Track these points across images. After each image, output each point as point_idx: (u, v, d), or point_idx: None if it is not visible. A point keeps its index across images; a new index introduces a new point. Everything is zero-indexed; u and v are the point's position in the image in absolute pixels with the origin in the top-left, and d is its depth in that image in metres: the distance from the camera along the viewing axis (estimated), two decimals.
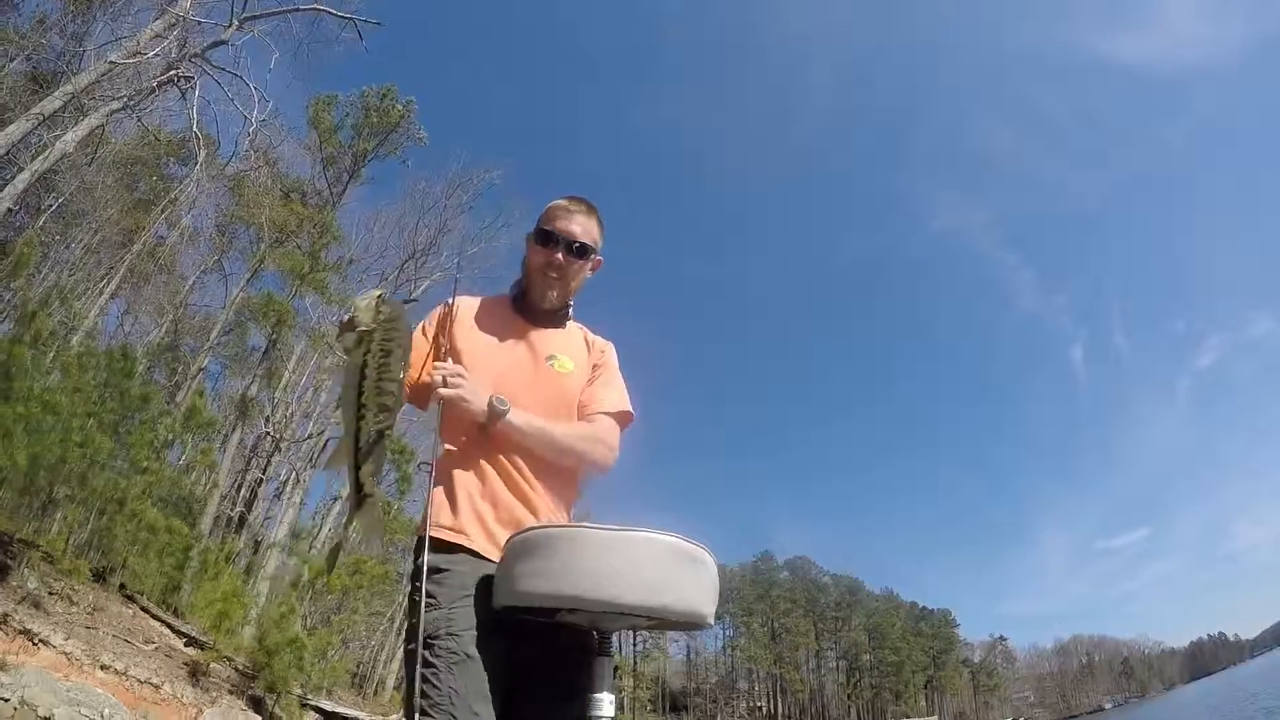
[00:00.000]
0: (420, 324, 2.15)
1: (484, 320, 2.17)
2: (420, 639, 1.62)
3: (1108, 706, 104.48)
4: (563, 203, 2.19)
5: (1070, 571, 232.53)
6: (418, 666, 1.58)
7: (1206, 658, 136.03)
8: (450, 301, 2.19)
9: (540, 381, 2.07)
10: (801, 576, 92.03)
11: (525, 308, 2.21)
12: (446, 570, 1.73)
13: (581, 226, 2.16)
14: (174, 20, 13.70)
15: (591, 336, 2.32)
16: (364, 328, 1.51)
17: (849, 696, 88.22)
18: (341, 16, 15.74)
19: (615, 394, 2.21)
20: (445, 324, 2.13)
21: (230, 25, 14.38)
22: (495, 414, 1.85)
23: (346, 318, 1.59)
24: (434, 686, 1.56)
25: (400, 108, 25.08)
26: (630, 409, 2.21)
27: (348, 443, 1.46)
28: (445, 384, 1.81)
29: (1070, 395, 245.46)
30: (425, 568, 1.69)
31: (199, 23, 14.35)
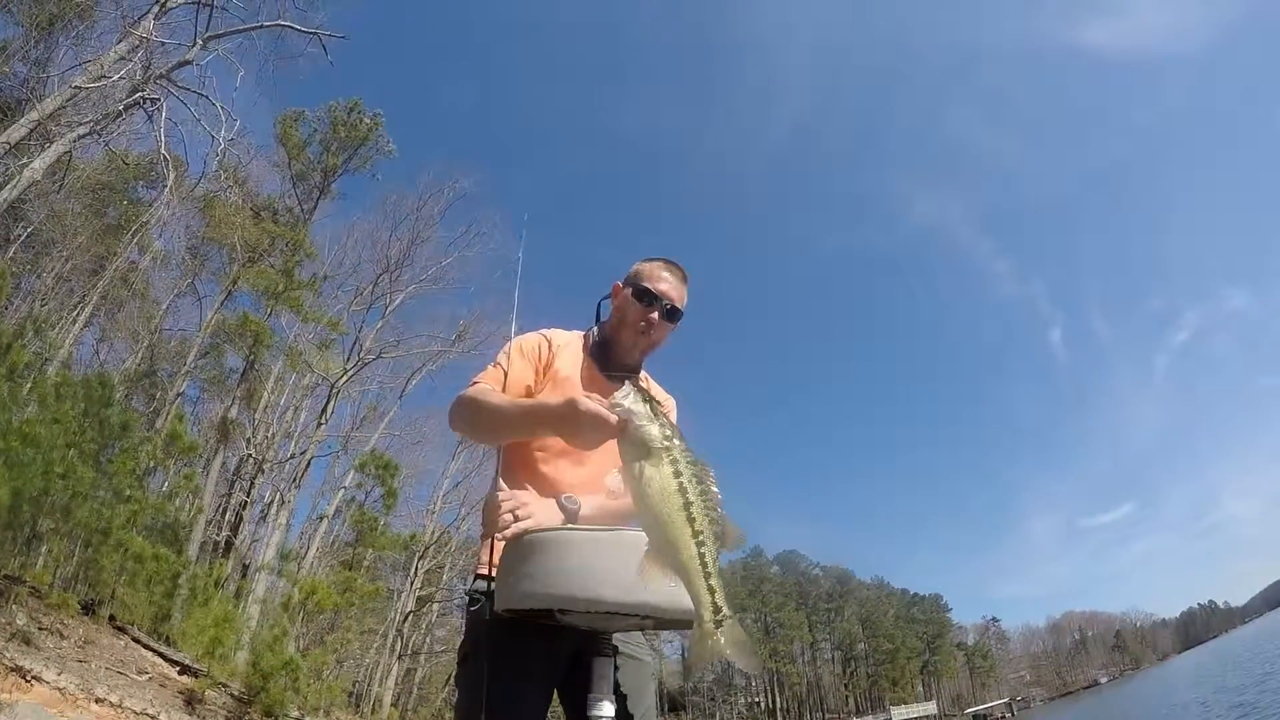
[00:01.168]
0: (516, 342, 2.21)
1: (567, 369, 2.22)
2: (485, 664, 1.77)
3: (1103, 681, 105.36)
4: (662, 264, 2.26)
5: (1058, 550, 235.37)
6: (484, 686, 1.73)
7: (1199, 627, 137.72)
8: (549, 338, 2.26)
9: (603, 449, 2.02)
10: (792, 570, 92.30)
11: (604, 360, 2.27)
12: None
13: (679, 294, 2.23)
14: (137, 42, 13.58)
15: (656, 389, 2.38)
16: (657, 445, 1.47)
17: (846, 686, 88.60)
18: (306, 31, 15.72)
19: None
20: (544, 362, 2.22)
21: (194, 45, 14.32)
22: (568, 516, 1.89)
23: (613, 418, 1.53)
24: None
25: (368, 120, 24.99)
26: None
27: (693, 570, 1.40)
28: (514, 518, 1.78)
29: (1050, 378, 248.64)
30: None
31: (163, 44, 14.27)
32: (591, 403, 1.57)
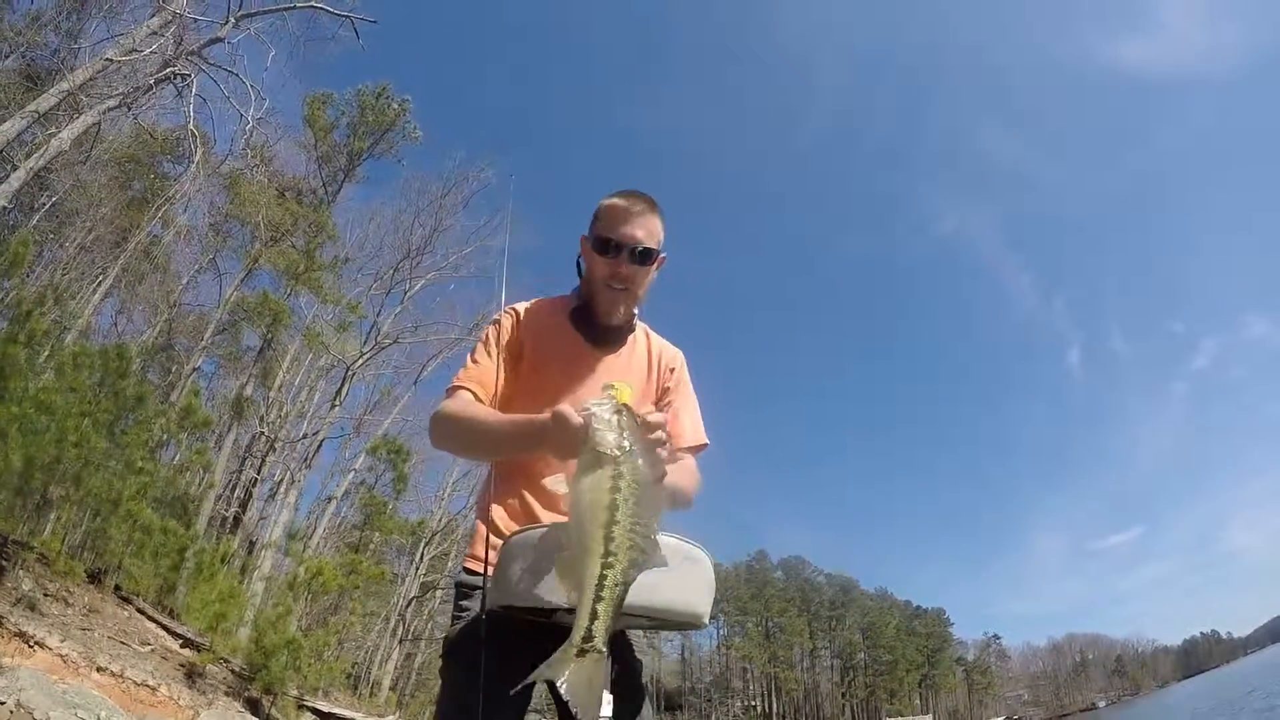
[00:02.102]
0: (487, 331, 1.98)
1: (546, 343, 1.97)
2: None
3: (1101, 705, 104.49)
4: (620, 202, 1.92)
5: (1064, 570, 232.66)
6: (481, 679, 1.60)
7: (1200, 656, 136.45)
8: (518, 312, 2.00)
9: None
10: (796, 576, 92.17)
11: (585, 325, 1.99)
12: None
13: (645, 229, 1.89)
14: (170, 18, 13.69)
15: (658, 346, 2.12)
16: (608, 451, 1.36)
17: (843, 695, 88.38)
18: (338, 14, 15.81)
19: (690, 424, 2.04)
20: (515, 342, 1.96)
21: (227, 23, 14.40)
22: None
23: (579, 420, 1.42)
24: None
25: (396, 106, 25.08)
26: (706, 439, 2.05)
27: (588, 587, 1.31)
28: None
29: (1066, 396, 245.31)
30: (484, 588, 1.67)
31: (195, 20, 14.39)
32: (566, 406, 1.46)
